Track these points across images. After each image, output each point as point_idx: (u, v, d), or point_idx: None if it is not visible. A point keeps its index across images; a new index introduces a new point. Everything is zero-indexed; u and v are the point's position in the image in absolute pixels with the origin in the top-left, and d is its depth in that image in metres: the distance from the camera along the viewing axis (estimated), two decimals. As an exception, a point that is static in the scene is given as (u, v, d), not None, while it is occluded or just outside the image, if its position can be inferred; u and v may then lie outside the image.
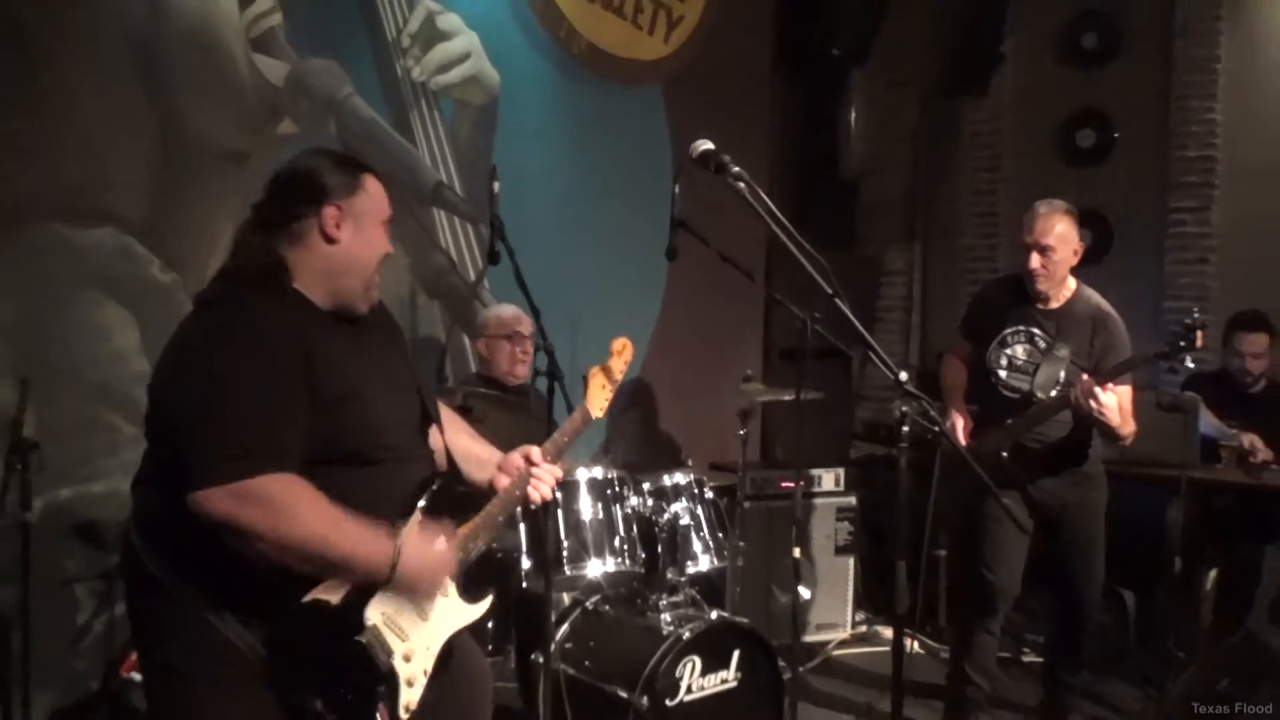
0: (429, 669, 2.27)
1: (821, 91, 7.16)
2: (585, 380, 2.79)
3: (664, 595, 3.79)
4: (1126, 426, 3.93)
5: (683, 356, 6.06)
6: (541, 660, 3.47)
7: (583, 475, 3.78)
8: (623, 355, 2.88)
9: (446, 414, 2.65)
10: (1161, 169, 6.55)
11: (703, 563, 3.93)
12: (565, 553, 3.67)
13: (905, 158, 7.44)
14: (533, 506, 2.57)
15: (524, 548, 3.76)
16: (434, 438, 2.53)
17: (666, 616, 3.65)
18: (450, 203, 4.98)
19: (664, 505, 3.92)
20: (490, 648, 3.86)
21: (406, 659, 2.21)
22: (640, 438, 5.85)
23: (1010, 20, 6.91)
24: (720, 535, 4.02)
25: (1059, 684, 4.38)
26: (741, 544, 4.43)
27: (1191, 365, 3.98)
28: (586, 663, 3.64)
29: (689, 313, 6.05)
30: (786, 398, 4.20)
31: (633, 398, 5.84)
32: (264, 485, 2.02)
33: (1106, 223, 6.61)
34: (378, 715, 2.15)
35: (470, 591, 2.45)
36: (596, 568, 3.71)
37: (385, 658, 2.16)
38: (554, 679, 3.47)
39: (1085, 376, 3.85)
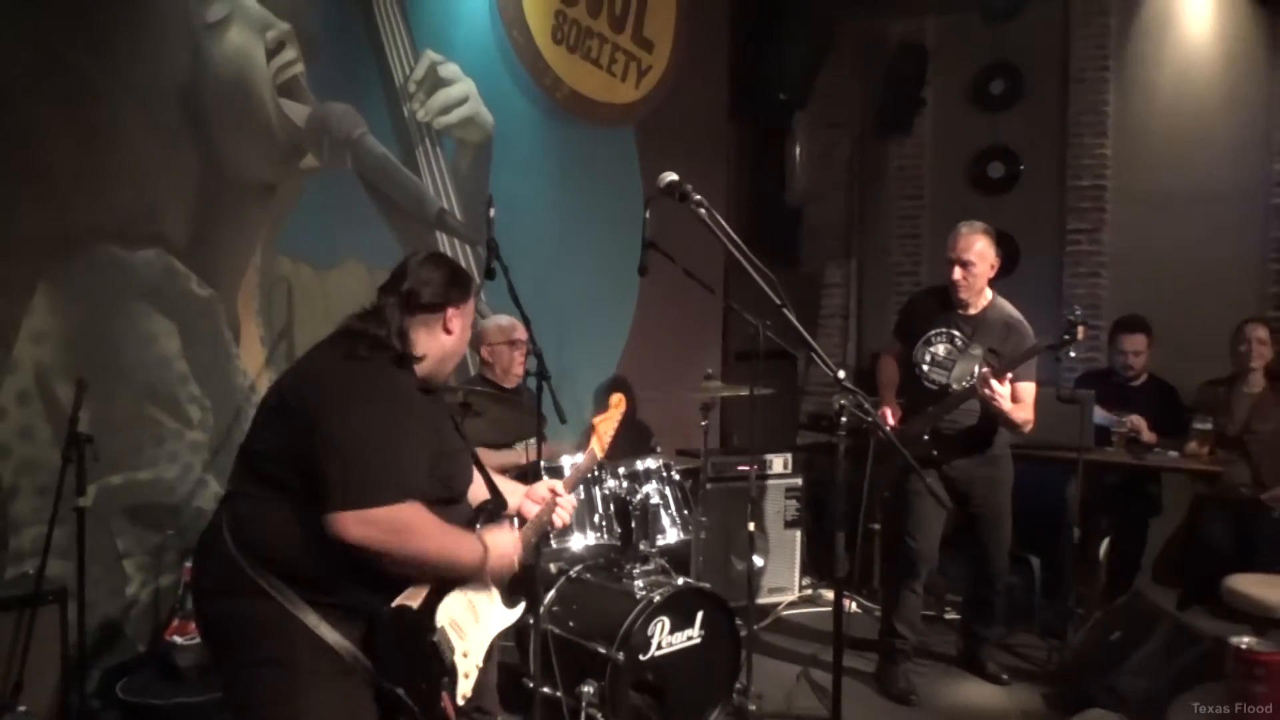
0: (480, 664, 2.38)
1: (769, 131, 7.19)
2: (593, 426, 2.93)
3: (637, 564, 3.77)
4: (1021, 414, 3.98)
5: (652, 358, 6.05)
6: (532, 621, 3.46)
7: (566, 461, 3.76)
8: (619, 407, 3.00)
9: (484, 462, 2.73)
10: (1060, 196, 6.61)
11: (671, 536, 3.92)
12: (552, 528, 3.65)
13: (841, 188, 7.45)
14: (554, 530, 2.76)
15: (517, 524, 3.74)
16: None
17: (640, 583, 3.63)
18: (451, 227, 4.95)
19: (637, 486, 3.90)
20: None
21: (465, 655, 2.31)
22: (617, 428, 5.82)
23: (929, 70, 6.95)
24: (686, 512, 4.01)
25: (975, 636, 4.41)
26: (704, 519, 4.43)
27: (1074, 355, 4.07)
28: (571, 623, 3.62)
29: (657, 320, 6.04)
30: (742, 393, 4.19)
31: (609, 393, 5.81)
32: (397, 513, 2.08)
33: (1014, 242, 6.61)
34: (444, 702, 2.24)
35: (510, 597, 2.54)
36: (579, 541, 3.70)
37: (450, 654, 2.27)
38: (543, 637, 3.45)
39: (985, 369, 3.90)
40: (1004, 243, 6.46)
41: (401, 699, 2.17)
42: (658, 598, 3.47)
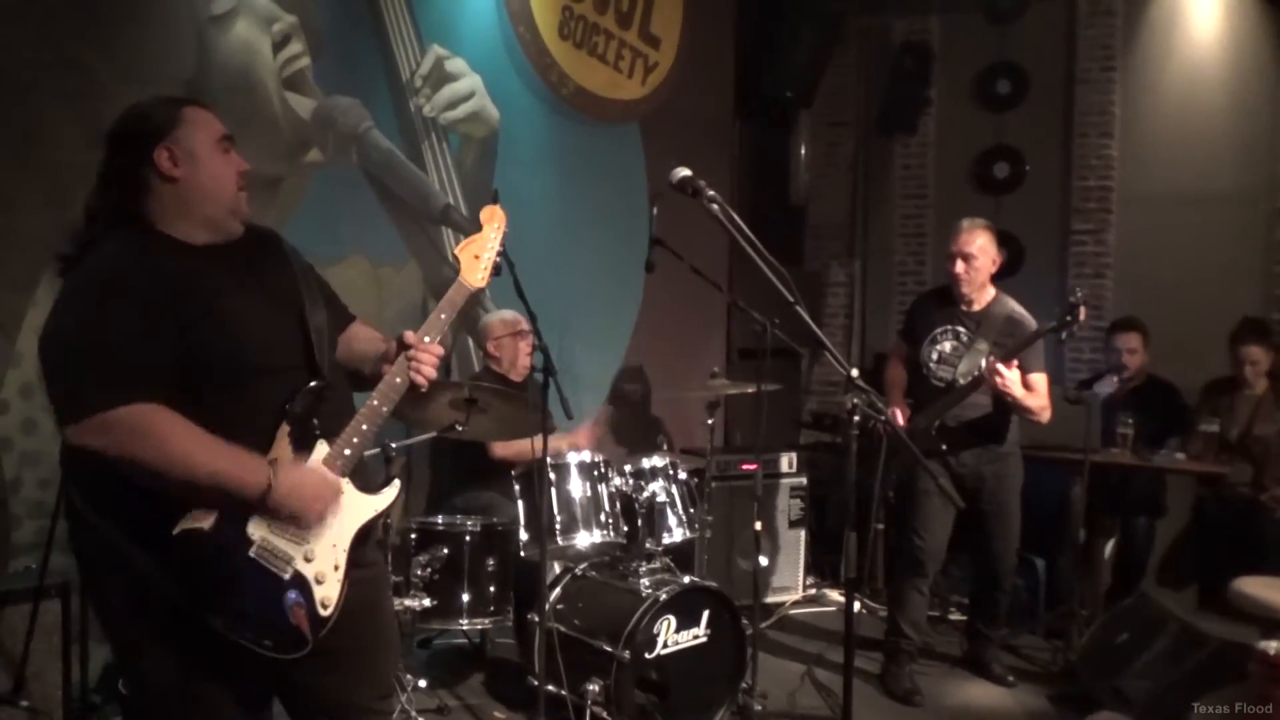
0: (340, 563, 2.03)
1: (774, 130, 7.16)
2: (456, 257, 2.33)
3: (643, 563, 3.75)
4: (1035, 401, 3.98)
5: (657, 355, 6.03)
6: (536, 619, 3.44)
7: (573, 458, 3.75)
8: (490, 222, 2.38)
9: (352, 328, 2.35)
10: (1065, 197, 6.59)
11: (676, 534, 3.90)
12: (558, 526, 3.64)
13: (846, 187, 7.42)
14: (421, 389, 2.17)
15: (522, 521, 3.72)
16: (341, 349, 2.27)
17: (645, 581, 3.61)
18: (457, 222, 4.93)
19: (643, 484, 3.88)
20: (491, 608, 3.82)
21: (308, 559, 1.99)
22: (622, 425, 5.81)
23: (934, 69, 6.92)
24: (691, 510, 3.99)
25: (980, 637, 4.39)
26: (709, 518, 4.39)
27: (1077, 333, 4.01)
28: (576, 621, 3.60)
29: (662, 318, 6.02)
30: (750, 389, 4.17)
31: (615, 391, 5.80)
32: (123, 415, 1.83)
33: (1018, 243, 6.61)
34: (294, 618, 1.94)
35: (373, 487, 2.14)
36: (585, 539, 3.68)
37: (283, 566, 1.95)
38: (547, 635, 3.43)
39: (991, 358, 3.89)
40: (1008, 243, 6.50)
41: (223, 633, 1.89)
42: (664, 596, 3.45)
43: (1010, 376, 3.87)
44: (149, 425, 1.85)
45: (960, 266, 4.08)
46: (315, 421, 2.06)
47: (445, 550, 3.71)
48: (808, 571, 5.45)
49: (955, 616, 4.99)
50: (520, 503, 3.73)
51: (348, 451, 2.07)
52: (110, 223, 2.00)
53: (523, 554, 3.72)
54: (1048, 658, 4.55)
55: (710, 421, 4.51)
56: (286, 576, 1.95)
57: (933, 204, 7.14)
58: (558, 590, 3.74)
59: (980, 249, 4.06)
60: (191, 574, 1.89)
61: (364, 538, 2.11)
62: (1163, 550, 5.30)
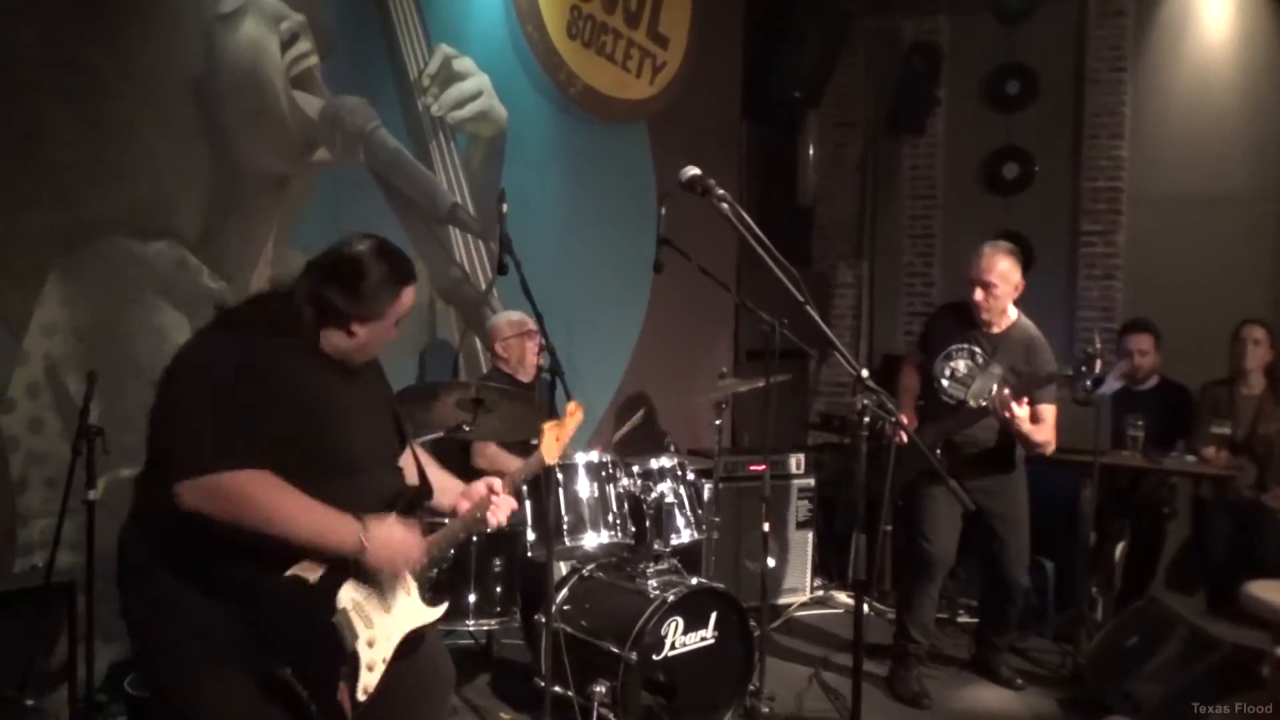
0: (387, 658, 2.20)
1: (782, 130, 7.15)
2: (542, 431, 2.71)
3: (650, 564, 3.74)
4: (1041, 435, 3.96)
5: (664, 355, 6.02)
6: (544, 620, 3.42)
7: (581, 459, 3.73)
8: (574, 416, 2.78)
9: (424, 454, 2.57)
10: (1074, 198, 6.56)
11: (684, 535, 3.89)
12: (565, 526, 3.63)
13: (854, 187, 7.40)
14: (488, 530, 2.53)
15: (529, 522, 3.71)
16: (407, 464, 2.46)
17: (653, 582, 3.59)
18: (464, 222, 4.92)
19: (651, 485, 3.87)
20: (498, 609, 3.81)
21: (370, 644, 2.16)
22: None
23: (943, 70, 6.90)
24: (699, 511, 3.98)
25: (988, 642, 4.37)
26: (717, 519, 4.39)
27: (1090, 386, 4.05)
28: (583, 622, 3.58)
29: (669, 318, 6.00)
30: (759, 384, 4.14)
31: (622, 392, 5.79)
32: (231, 480, 1.98)
33: (1027, 244, 6.57)
34: (340, 693, 2.08)
35: (432, 596, 2.38)
36: (592, 539, 3.67)
37: (351, 640, 2.11)
38: (555, 636, 3.42)
39: (1006, 391, 3.85)
40: (1017, 244, 6.46)
41: (289, 681, 2.01)
42: (671, 597, 3.44)
43: (1020, 414, 3.84)
44: (255, 490, 2.00)
45: (980, 295, 4.02)
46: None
47: (452, 551, 3.70)
48: (815, 573, 5.43)
49: (963, 619, 4.97)
50: (527, 503, 3.72)
51: (427, 559, 2.31)
52: (278, 321, 2.17)
53: (530, 554, 3.71)
54: (1057, 661, 4.53)
55: (718, 422, 4.50)
56: (348, 651, 2.11)
57: (941, 205, 7.12)
58: (565, 591, 3.73)
59: (1001, 275, 4.00)
60: (279, 620, 2.03)
61: (410, 645, 2.28)
62: (1172, 553, 5.28)
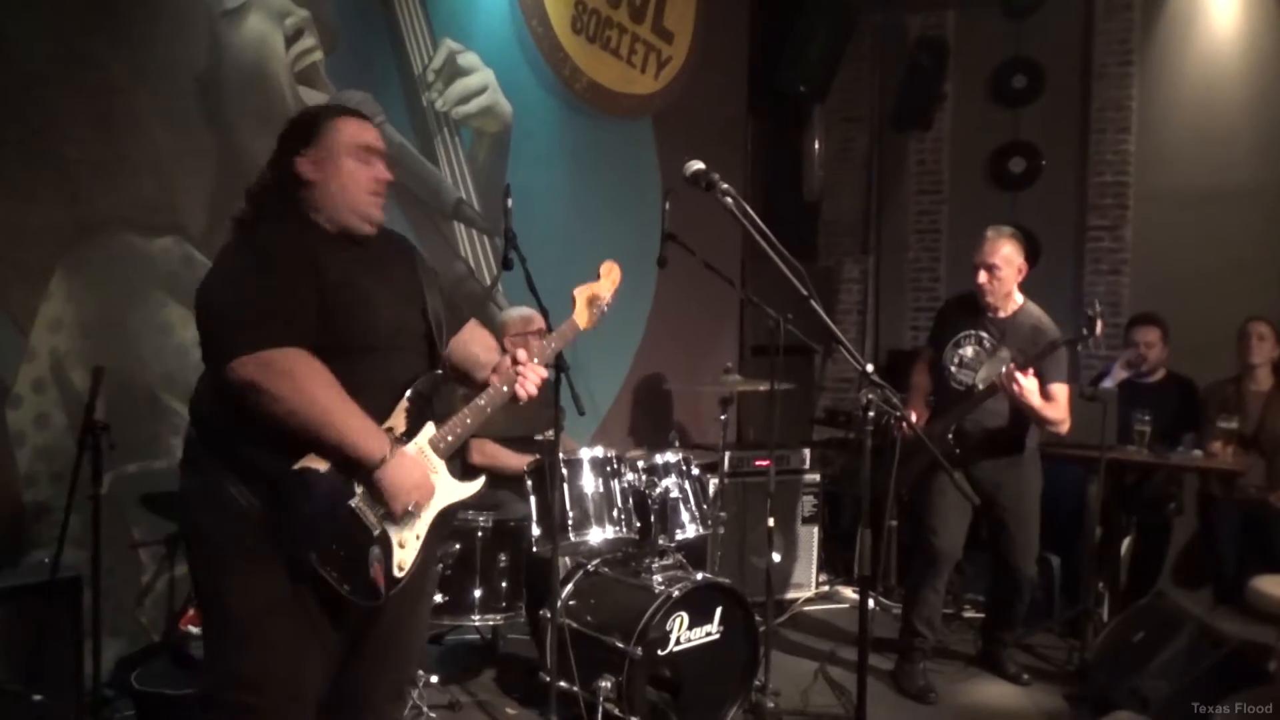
0: (421, 535, 2.23)
1: (788, 125, 7.14)
2: (573, 297, 2.65)
3: (655, 559, 3.73)
4: (1053, 412, 3.94)
5: (669, 351, 6.02)
6: (549, 615, 3.42)
7: (585, 454, 3.73)
8: (609, 276, 2.73)
9: (468, 328, 2.55)
10: (1081, 193, 6.55)
11: (689, 531, 3.88)
12: (570, 521, 3.62)
13: (860, 183, 7.40)
14: (520, 401, 2.40)
15: (534, 517, 3.71)
16: (458, 344, 2.48)
17: (658, 577, 3.59)
18: (469, 218, 4.92)
19: (655, 480, 3.86)
20: (503, 604, 3.82)
21: (397, 521, 2.18)
22: (634, 421, 5.81)
23: (950, 65, 6.89)
24: (704, 507, 3.97)
25: (995, 637, 4.36)
26: (722, 514, 4.38)
27: (1094, 348, 4.12)
28: (588, 617, 3.58)
29: (674, 314, 6.00)
30: (762, 388, 4.15)
31: (627, 387, 5.79)
32: (283, 356, 2.04)
33: (1034, 239, 6.55)
34: (373, 571, 2.11)
35: (459, 471, 2.35)
36: (597, 535, 3.66)
37: (376, 521, 2.14)
38: (560, 631, 3.41)
39: (1009, 365, 3.86)
40: (1024, 239, 6.49)
41: (315, 567, 2.06)
42: (676, 593, 3.43)
43: (1027, 385, 3.83)
44: (297, 368, 2.04)
45: (984, 277, 4.05)
46: (431, 405, 2.28)
47: (457, 546, 3.71)
48: (821, 569, 5.43)
49: (970, 614, 4.96)
50: (532, 498, 3.71)
51: (450, 438, 2.29)
52: (268, 206, 2.24)
53: (535, 550, 3.71)
54: (1063, 657, 4.52)
55: (723, 418, 4.49)
56: (376, 533, 2.14)
57: (947, 200, 7.11)
58: (570, 586, 3.73)
59: (1004, 259, 4.03)
60: (298, 509, 2.07)
61: (445, 519, 2.30)
62: (1179, 549, 5.27)
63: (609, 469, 3.73)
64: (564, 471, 3.61)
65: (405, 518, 2.19)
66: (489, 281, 5.02)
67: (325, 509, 2.09)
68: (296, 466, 2.07)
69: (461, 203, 4.87)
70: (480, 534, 3.76)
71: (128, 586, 3.59)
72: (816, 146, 7.18)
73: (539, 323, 4.10)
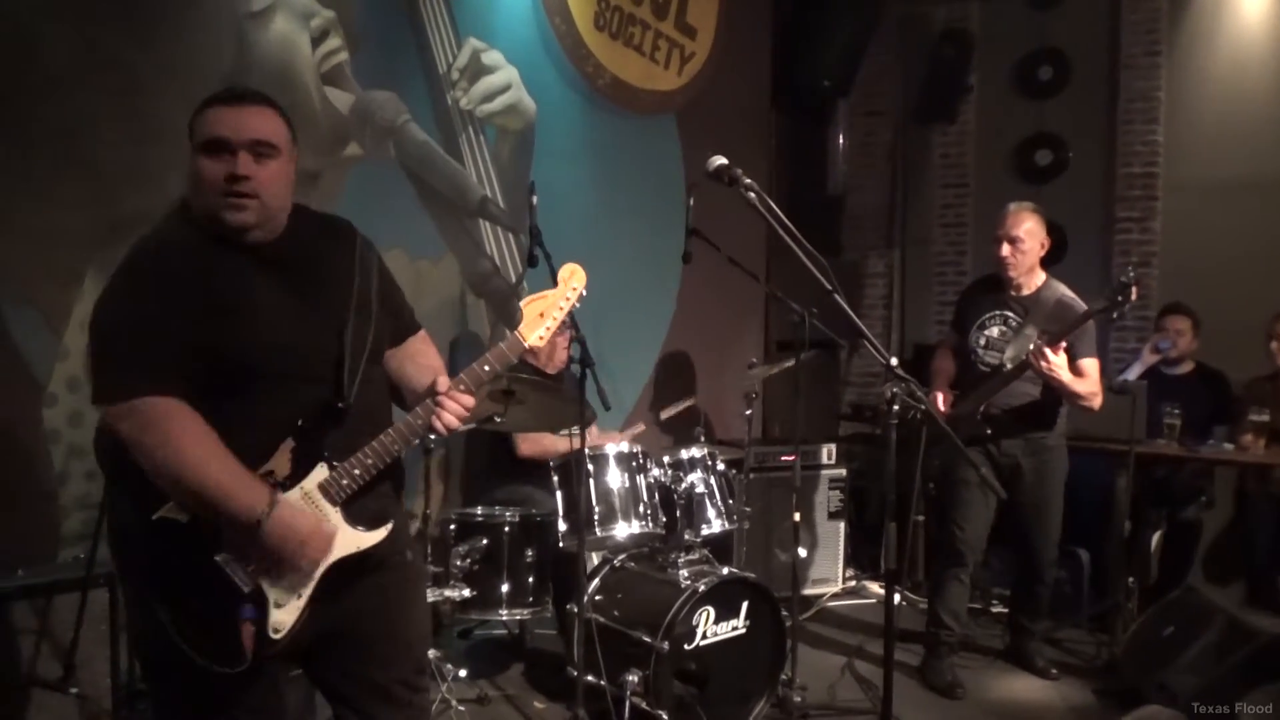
0: (305, 594, 1.96)
1: (812, 119, 7.11)
2: (519, 310, 2.21)
3: (681, 554, 3.74)
4: (1084, 386, 3.92)
5: (694, 346, 6.03)
6: (576, 610, 3.45)
7: (611, 450, 3.75)
8: (569, 282, 2.25)
9: (413, 347, 2.29)
10: (1109, 184, 6.48)
11: (715, 526, 3.89)
12: (596, 517, 3.64)
13: (884, 176, 7.36)
14: (434, 437, 2.17)
15: (560, 512, 3.73)
16: (399, 359, 2.25)
17: (684, 572, 3.60)
18: (494, 215, 4.94)
19: (681, 476, 3.88)
20: (531, 599, 3.84)
21: (275, 577, 1.94)
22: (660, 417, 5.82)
23: (974, 56, 6.84)
24: (729, 502, 3.98)
25: (1022, 630, 4.35)
26: (747, 509, 4.39)
27: (1128, 313, 4.00)
28: (615, 612, 3.60)
29: (699, 309, 6.01)
30: (788, 365, 4.11)
31: (652, 383, 5.80)
32: (139, 406, 1.86)
33: (1061, 232, 6.49)
34: (242, 633, 1.89)
35: (365, 520, 2.05)
36: (623, 530, 3.68)
37: (247, 575, 1.90)
38: (587, 626, 3.44)
39: (1037, 341, 3.83)
40: (1050, 232, 6.40)
41: (166, 624, 1.87)
42: (702, 587, 3.45)
43: (1056, 361, 3.81)
44: (161, 419, 1.86)
45: (1007, 250, 4.04)
46: (323, 443, 2.00)
47: (484, 541, 3.74)
48: (847, 563, 5.42)
49: (997, 609, 4.94)
50: (559, 494, 3.74)
51: (345, 481, 2.01)
52: (175, 211, 2.06)
53: (561, 545, 3.73)
54: (1092, 651, 4.50)
55: (748, 413, 4.50)
56: (247, 590, 1.91)
57: (973, 193, 7.06)
58: (596, 581, 3.75)
59: (1028, 232, 4.02)
60: (157, 561, 1.91)
61: (342, 572, 2.03)
62: (1209, 543, 5.22)
63: (634, 464, 3.76)
64: (590, 467, 3.62)
65: (292, 576, 1.96)
66: (514, 278, 5.04)
67: (186, 565, 1.89)
68: (155, 516, 1.88)
69: (486, 200, 4.90)
70: (507, 529, 3.79)
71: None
72: (840, 141, 7.16)
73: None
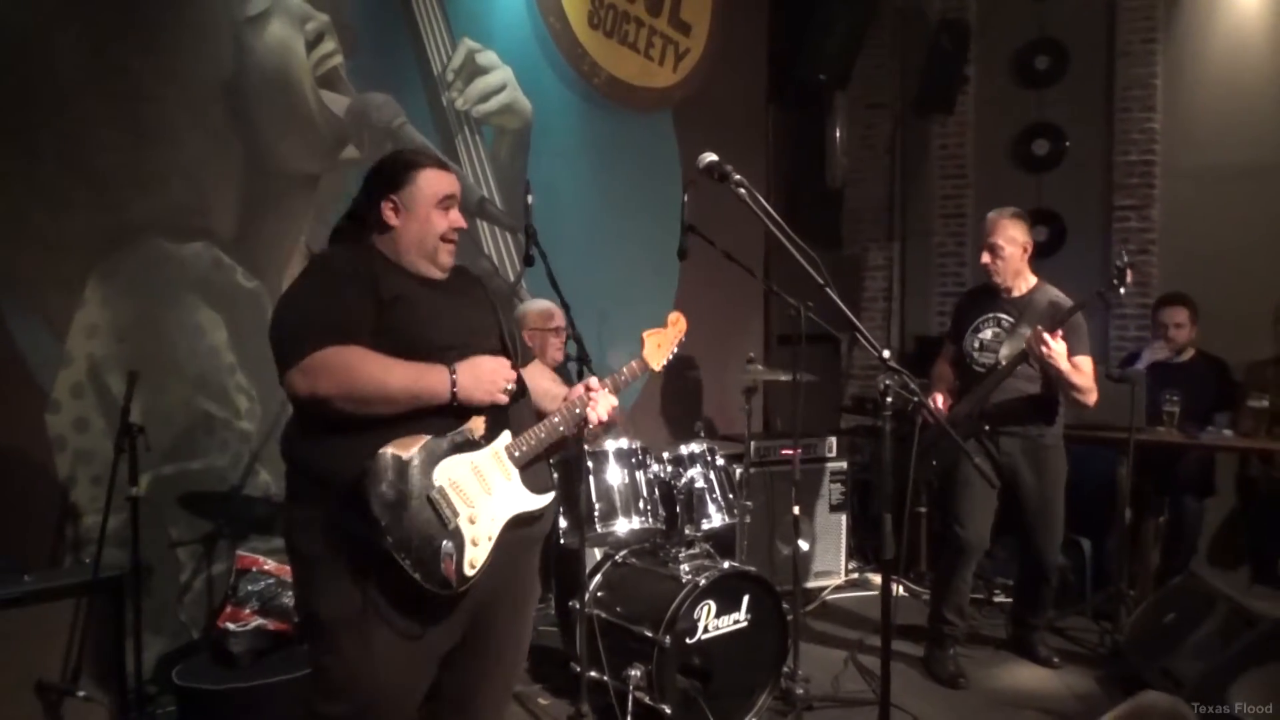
0: (493, 536, 2.29)
1: (810, 113, 7.14)
2: (642, 339, 2.84)
3: (682, 549, 3.77)
4: (1081, 379, 3.94)
5: (694, 342, 6.00)
6: (578, 606, 3.48)
7: (611, 446, 3.77)
8: (676, 326, 2.92)
9: (536, 368, 2.69)
10: (1107, 173, 6.50)
11: (715, 520, 3.91)
12: (597, 513, 3.66)
13: (883, 169, 7.38)
14: (590, 425, 2.56)
15: (561, 509, 3.76)
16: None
17: (685, 567, 3.63)
18: (492, 215, 4.97)
19: (681, 471, 3.90)
20: (534, 596, 3.87)
21: (471, 521, 2.24)
22: (659, 413, 5.85)
23: (972, 47, 6.85)
24: (730, 496, 4.00)
25: (1025, 624, 4.37)
26: (748, 504, 4.41)
27: (1124, 296, 4.00)
28: (617, 608, 3.63)
29: (698, 305, 5.97)
30: (784, 377, 4.18)
31: (652, 379, 5.83)
32: (325, 355, 2.13)
33: (1060, 220, 6.56)
34: (444, 565, 2.17)
35: (537, 487, 2.42)
36: (624, 525, 3.70)
37: (451, 516, 2.21)
38: (589, 622, 3.47)
39: (1037, 327, 3.86)
40: (1049, 220, 6.48)
41: (391, 551, 2.11)
42: (703, 581, 3.47)
43: (1056, 346, 3.83)
44: (341, 360, 2.14)
45: (987, 257, 4.13)
46: (507, 415, 2.36)
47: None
48: (850, 556, 5.45)
49: (1000, 599, 4.97)
50: (559, 491, 3.76)
51: (524, 448, 2.39)
52: (345, 235, 2.41)
53: (563, 542, 3.76)
54: (1095, 639, 4.52)
55: (747, 407, 4.52)
56: (450, 527, 2.20)
57: (972, 184, 7.08)
58: (598, 577, 3.78)
59: (1007, 238, 4.08)
60: (378, 492, 2.11)
61: (519, 526, 2.36)
62: (1214, 529, 5.24)
63: (635, 460, 3.78)
64: (589, 464, 3.65)
65: (481, 514, 2.26)
66: (513, 277, 5.07)
67: (404, 495, 2.14)
68: (384, 450, 2.13)
69: (484, 201, 4.93)
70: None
71: (167, 585, 3.68)
72: (839, 134, 7.18)
73: (559, 318, 4.15)
